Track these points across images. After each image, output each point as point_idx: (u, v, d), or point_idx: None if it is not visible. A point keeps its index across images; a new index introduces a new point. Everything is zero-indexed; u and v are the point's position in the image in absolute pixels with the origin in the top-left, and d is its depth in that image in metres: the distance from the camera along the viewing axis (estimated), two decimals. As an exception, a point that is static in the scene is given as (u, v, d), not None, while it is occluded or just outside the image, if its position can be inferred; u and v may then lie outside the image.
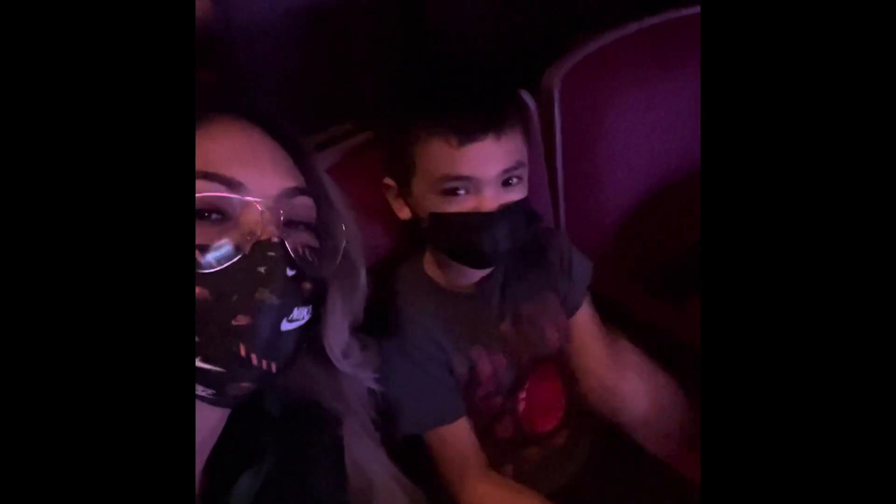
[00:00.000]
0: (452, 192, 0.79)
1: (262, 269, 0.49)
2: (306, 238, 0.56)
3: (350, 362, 0.62)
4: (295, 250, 0.52)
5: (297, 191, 0.55)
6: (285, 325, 0.51)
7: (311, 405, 0.64)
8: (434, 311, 0.89)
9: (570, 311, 1.00)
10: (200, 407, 0.52)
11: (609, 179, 1.26)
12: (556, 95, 1.15)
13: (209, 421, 0.56)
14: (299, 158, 0.58)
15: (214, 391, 0.50)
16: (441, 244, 0.85)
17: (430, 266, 0.92)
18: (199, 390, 0.50)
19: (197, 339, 0.48)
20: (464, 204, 0.79)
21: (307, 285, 0.53)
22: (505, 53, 1.39)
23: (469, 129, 0.77)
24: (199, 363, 0.49)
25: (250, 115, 0.57)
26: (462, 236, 0.80)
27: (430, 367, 0.88)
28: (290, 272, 0.51)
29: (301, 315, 0.53)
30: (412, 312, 0.88)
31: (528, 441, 0.99)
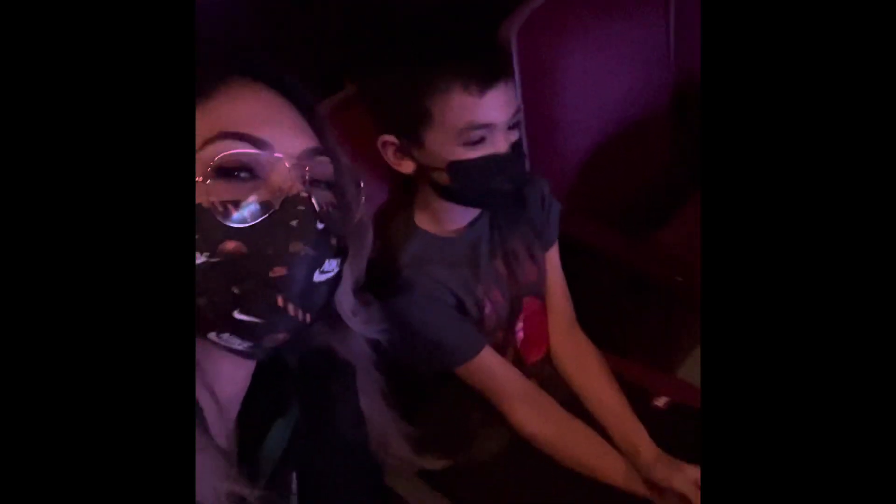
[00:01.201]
0: (471, 142, 0.84)
1: (293, 223, 0.51)
2: (328, 196, 0.58)
3: (359, 319, 0.65)
4: (320, 205, 0.54)
5: (317, 150, 0.57)
6: (318, 276, 0.53)
7: (325, 356, 0.67)
8: (435, 257, 0.95)
9: (546, 246, 1.08)
10: (230, 362, 0.55)
11: (569, 123, 1.31)
12: (514, 45, 1.19)
13: (238, 376, 0.59)
14: (313, 120, 0.60)
15: (252, 343, 0.52)
16: (458, 191, 0.89)
17: (420, 216, 0.97)
18: (236, 344, 0.52)
19: (235, 291, 0.50)
20: (481, 150, 0.85)
21: (334, 239, 0.55)
22: (461, 7, 1.41)
23: (487, 77, 0.83)
24: (237, 315, 0.51)
25: (265, 78, 0.58)
26: (481, 179, 0.86)
27: (443, 311, 0.94)
28: (319, 225, 0.52)
29: (331, 267, 0.54)
30: (415, 263, 0.93)
31: (526, 373, 1.05)
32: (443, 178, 0.88)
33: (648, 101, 1.43)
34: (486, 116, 0.84)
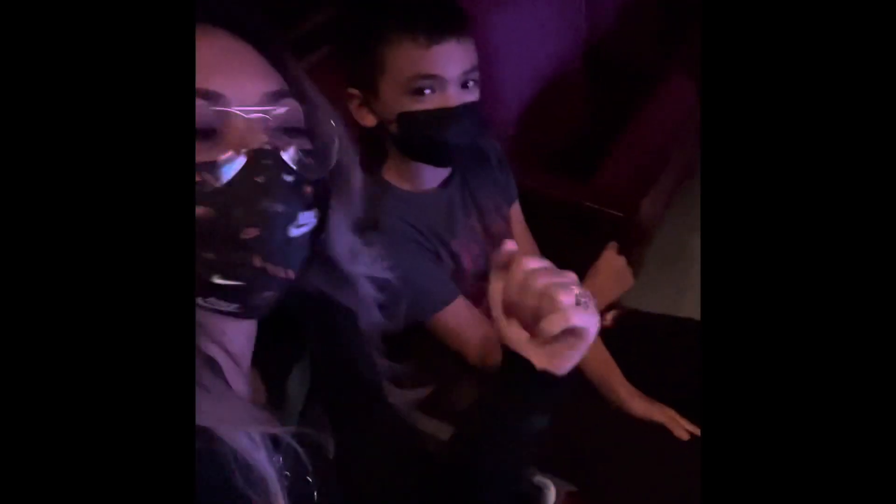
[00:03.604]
0: (420, 92, 0.89)
1: (259, 179, 0.48)
2: (298, 141, 0.54)
3: (360, 262, 0.63)
4: (289, 155, 0.51)
5: (280, 94, 0.53)
6: (293, 231, 0.50)
7: (324, 303, 0.66)
8: (412, 212, 0.99)
9: (510, 202, 1.16)
10: (231, 319, 0.53)
11: (502, 81, 1.40)
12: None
13: (242, 330, 0.57)
14: (276, 60, 0.56)
15: (239, 305, 0.50)
16: (409, 143, 0.93)
17: (391, 174, 1.01)
18: (223, 306, 0.50)
19: (211, 256, 0.48)
20: (429, 103, 0.89)
21: (308, 189, 0.52)
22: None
23: (436, 31, 0.87)
24: (217, 280, 0.49)
25: (218, 20, 0.54)
26: (428, 132, 0.90)
27: (420, 258, 0.97)
28: (288, 178, 0.50)
29: (307, 219, 0.52)
30: (389, 215, 0.97)
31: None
32: (394, 128, 0.92)
33: (566, 61, 1.54)
34: (433, 68, 0.88)
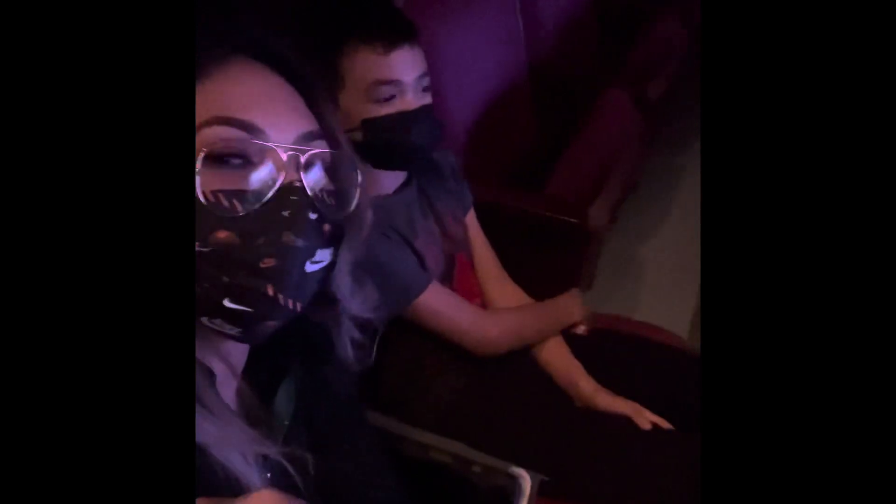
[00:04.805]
0: (382, 98, 0.93)
1: (286, 213, 0.51)
2: (324, 181, 0.56)
3: (357, 301, 0.65)
4: (314, 193, 0.53)
5: (314, 135, 0.56)
6: (309, 267, 0.52)
7: (308, 326, 0.67)
8: (374, 212, 1.00)
9: (465, 210, 1.19)
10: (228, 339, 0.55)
11: (452, 95, 1.45)
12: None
13: (238, 346, 0.59)
14: (313, 102, 0.58)
15: (241, 330, 0.52)
16: (372, 149, 0.95)
17: None
18: (227, 329, 0.52)
19: (226, 280, 0.50)
20: (391, 107, 0.93)
21: (327, 227, 0.54)
22: None
23: (391, 38, 0.92)
24: (227, 303, 0.50)
25: (265, 58, 0.56)
26: (391, 135, 0.94)
27: (393, 247, 1.00)
28: (311, 215, 0.52)
29: (323, 257, 0.54)
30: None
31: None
32: (358, 136, 0.95)
33: (510, 76, 1.60)
34: (393, 73, 0.92)
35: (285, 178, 0.51)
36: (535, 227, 1.39)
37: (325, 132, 0.58)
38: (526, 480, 0.82)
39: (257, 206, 0.50)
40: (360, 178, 0.59)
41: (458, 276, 1.17)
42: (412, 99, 0.95)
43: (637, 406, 1.07)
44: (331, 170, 0.57)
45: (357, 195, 0.58)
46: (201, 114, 0.51)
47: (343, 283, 0.62)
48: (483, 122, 1.52)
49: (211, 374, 0.54)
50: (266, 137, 0.52)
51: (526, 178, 1.54)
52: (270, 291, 0.51)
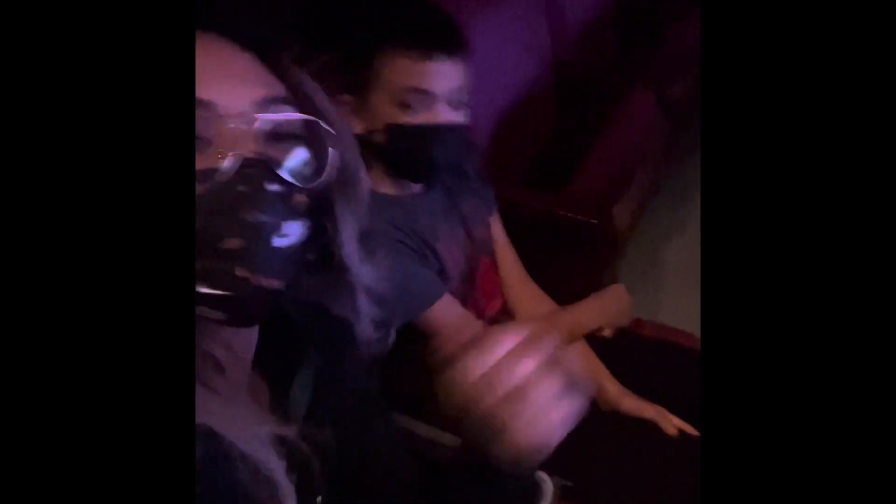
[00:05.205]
0: (408, 106, 0.90)
1: (242, 189, 0.47)
2: (295, 149, 0.53)
3: (368, 269, 0.62)
4: (281, 163, 0.50)
5: (272, 100, 0.52)
6: (277, 242, 0.49)
7: (321, 312, 0.65)
8: (394, 213, 1.00)
9: (490, 212, 1.18)
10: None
11: (478, 96, 1.43)
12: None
13: (242, 332, 0.56)
14: (277, 67, 0.55)
15: (226, 314, 0.49)
16: (392, 155, 0.94)
17: (374, 178, 1.00)
18: (213, 314, 0.49)
19: (198, 265, 0.47)
20: (417, 117, 0.91)
21: (301, 198, 0.51)
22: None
23: (430, 47, 0.89)
24: (204, 289, 0.48)
25: (218, 28, 0.53)
26: (413, 146, 0.92)
27: (406, 257, 0.98)
28: (273, 187, 0.49)
29: (293, 230, 0.50)
30: (374, 216, 0.96)
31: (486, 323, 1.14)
32: (380, 138, 0.93)
33: (534, 77, 1.59)
34: (423, 82, 0.90)
35: (239, 150, 0.48)
36: (557, 228, 1.37)
37: (295, 98, 0.55)
38: (548, 485, 0.80)
39: (208, 184, 0.47)
40: (345, 141, 0.56)
41: (482, 277, 1.15)
42: (440, 111, 0.92)
43: (663, 410, 1.05)
44: (306, 136, 0.54)
45: (334, 159, 0.54)
46: None
47: (351, 251, 0.59)
48: (506, 123, 1.51)
49: (213, 360, 0.52)
50: (216, 110, 0.49)
51: (548, 178, 1.53)
52: (241, 273, 0.48)
